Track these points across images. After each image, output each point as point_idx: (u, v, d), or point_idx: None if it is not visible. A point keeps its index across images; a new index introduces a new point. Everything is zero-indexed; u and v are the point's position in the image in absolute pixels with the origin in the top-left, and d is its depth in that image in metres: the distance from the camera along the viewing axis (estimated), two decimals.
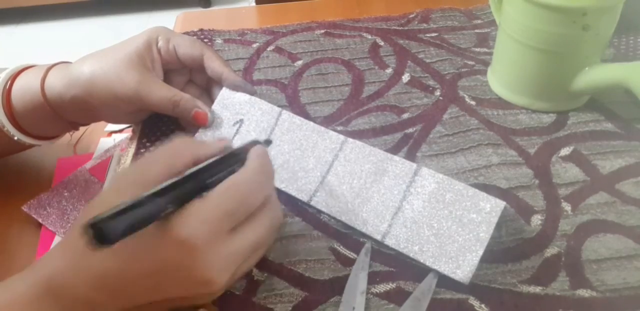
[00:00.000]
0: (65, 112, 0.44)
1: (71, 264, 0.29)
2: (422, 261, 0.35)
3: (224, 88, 0.45)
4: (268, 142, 0.38)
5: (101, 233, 0.24)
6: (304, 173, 0.40)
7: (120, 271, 0.28)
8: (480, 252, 0.34)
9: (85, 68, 0.42)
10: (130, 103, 0.42)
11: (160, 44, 0.44)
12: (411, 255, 0.36)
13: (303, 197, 0.40)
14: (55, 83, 0.42)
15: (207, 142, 0.34)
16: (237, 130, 0.44)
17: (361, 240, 0.38)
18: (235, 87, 0.45)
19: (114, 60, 0.42)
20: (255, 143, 0.35)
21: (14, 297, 0.30)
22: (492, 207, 0.35)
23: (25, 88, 0.43)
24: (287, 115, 0.43)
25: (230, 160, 0.32)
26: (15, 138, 0.44)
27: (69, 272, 0.29)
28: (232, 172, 0.31)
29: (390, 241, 0.36)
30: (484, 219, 0.35)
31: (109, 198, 0.29)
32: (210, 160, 0.31)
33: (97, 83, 0.41)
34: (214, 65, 0.44)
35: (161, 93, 0.42)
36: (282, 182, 0.41)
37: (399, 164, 0.38)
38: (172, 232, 0.27)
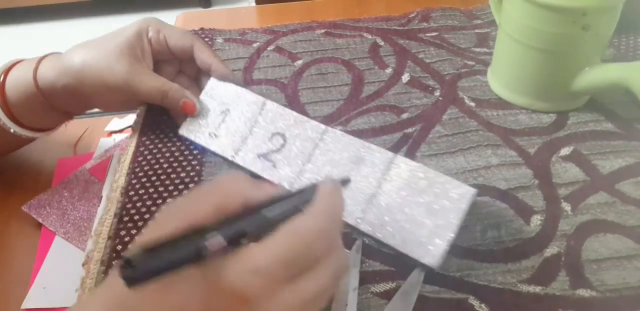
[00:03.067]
0: (58, 101, 0.45)
1: (109, 306, 0.26)
2: (393, 246, 0.36)
3: (212, 79, 0.46)
4: (345, 181, 0.32)
5: (132, 271, 0.22)
6: (286, 162, 0.41)
7: None
8: (450, 237, 0.34)
9: (76, 57, 0.43)
10: (121, 92, 0.43)
11: (151, 34, 0.45)
12: (383, 240, 0.36)
13: (285, 184, 0.41)
14: (47, 72, 0.43)
15: (261, 184, 0.29)
16: (223, 119, 0.45)
17: (353, 236, 0.38)
18: (223, 78, 0.46)
19: (104, 50, 0.43)
20: (329, 180, 0.30)
21: None
22: (463, 194, 0.35)
23: (18, 80, 0.44)
24: (271, 105, 0.44)
25: (294, 199, 0.28)
26: (12, 130, 0.45)
27: None
28: (297, 210, 0.27)
29: (363, 227, 0.37)
30: (454, 205, 0.35)
31: (151, 233, 0.26)
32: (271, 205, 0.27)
33: (87, 73, 0.42)
34: (203, 56, 0.45)
35: (150, 83, 0.43)
36: (264, 170, 0.42)
37: (376, 152, 0.39)
38: (223, 279, 0.24)
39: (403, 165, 0.38)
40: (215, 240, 0.24)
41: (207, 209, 0.26)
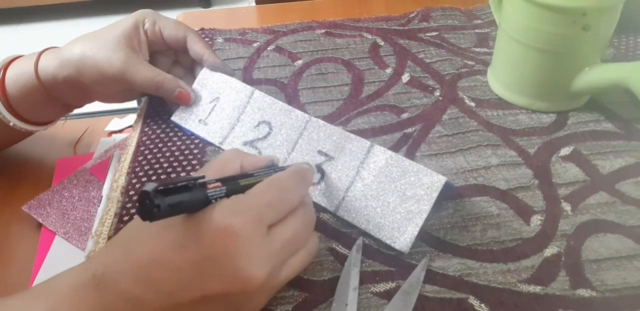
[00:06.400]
0: (60, 93, 0.46)
1: (117, 254, 0.30)
2: (367, 231, 0.38)
3: (204, 69, 0.48)
4: (320, 169, 0.40)
5: (149, 206, 0.25)
6: (271, 150, 0.43)
7: (164, 259, 0.28)
8: (420, 224, 0.36)
9: (76, 49, 0.44)
10: (118, 82, 0.44)
11: (147, 26, 0.46)
12: (359, 225, 0.38)
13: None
14: (49, 65, 0.44)
15: (255, 155, 0.37)
16: (213, 107, 0.47)
17: (352, 236, 0.38)
18: (214, 68, 0.47)
19: (103, 42, 0.44)
20: (304, 163, 0.38)
21: (61, 289, 0.30)
22: (434, 182, 0.37)
23: (19, 74, 0.45)
24: (258, 94, 0.45)
25: (276, 170, 0.34)
26: (11, 123, 0.46)
27: (114, 263, 0.29)
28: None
29: (342, 213, 0.39)
30: (425, 193, 0.37)
31: None
32: (259, 171, 0.33)
33: (86, 63, 0.43)
34: (196, 47, 0.47)
35: (145, 73, 0.44)
36: None
37: (355, 142, 0.40)
38: (216, 218, 0.28)
39: (380, 154, 0.39)
40: (217, 186, 0.29)
41: (212, 172, 0.32)
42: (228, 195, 0.29)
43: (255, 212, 0.29)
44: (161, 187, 0.26)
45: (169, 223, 0.28)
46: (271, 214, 0.30)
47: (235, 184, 0.30)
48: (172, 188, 0.26)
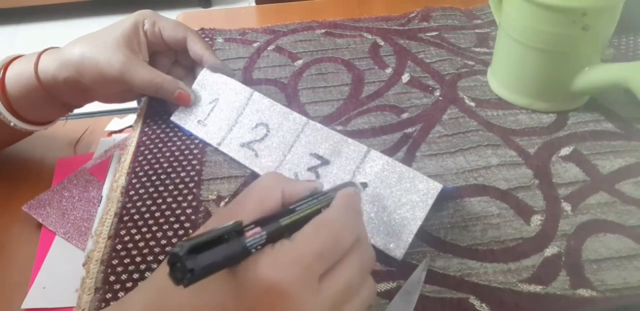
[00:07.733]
0: (60, 93, 0.46)
1: (149, 303, 0.28)
2: None
3: (204, 69, 0.48)
4: (364, 185, 0.36)
5: (181, 270, 0.22)
6: (267, 151, 0.43)
7: None
8: (414, 231, 0.36)
9: (76, 50, 0.44)
10: (117, 84, 0.44)
11: (147, 26, 0.46)
12: None
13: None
14: (49, 65, 0.44)
15: (297, 181, 0.33)
16: (212, 108, 0.47)
17: None
18: (214, 69, 0.47)
19: (102, 43, 0.44)
20: (349, 184, 0.34)
21: None
22: (429, 189, 0.36)
23: (19, 74, 0.45)
24: (257, 96, 0.45)
25: (320, 200, 0.30)
26: (11, 123, 0.46)
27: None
28: (319, 213, 0.29)
29: None
30: (421, 199, 0.37)
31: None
32: (301, 203, 0.29)
33: (86, 64, 0.43)
34: (196, 47, 0.47)
35: (144, 75, 0.44)
36: (246, 159, 0.43)
37: (352, 146, 0.40)
38: (259, 274, 0.24)
39: (376, 159, 0.39)
40: (256, 232, 0.25)
41: (251, 206, 0.28)
42: (269, 240, 0.25)
43: (304, 264, 0.25)
44: (192, 244, 0.22)
45: (207, 280, 0.24)
46: (322, 263, 0.26)
47: (276, 225, 0.26)
48: (204, 243, 0.23)
